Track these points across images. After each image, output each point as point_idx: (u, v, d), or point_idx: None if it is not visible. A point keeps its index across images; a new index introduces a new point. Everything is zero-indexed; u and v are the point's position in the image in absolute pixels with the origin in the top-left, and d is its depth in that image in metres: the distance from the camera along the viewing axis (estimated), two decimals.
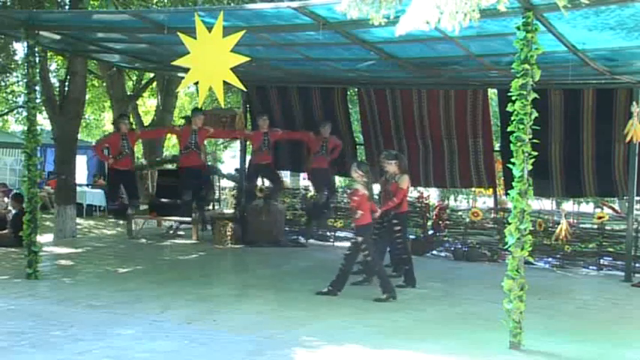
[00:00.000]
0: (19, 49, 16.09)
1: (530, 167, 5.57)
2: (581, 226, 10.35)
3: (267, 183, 12.11)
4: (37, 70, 8.54)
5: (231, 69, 6.35)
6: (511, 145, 5.57)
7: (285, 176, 19.22)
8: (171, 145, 23.89)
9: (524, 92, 5.49)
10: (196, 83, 7.04)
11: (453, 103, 10.90)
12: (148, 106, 22.47)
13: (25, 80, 9.32)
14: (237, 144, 14.06)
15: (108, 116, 22.71)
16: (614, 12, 5.68)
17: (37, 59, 8.60)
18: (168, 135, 16.64)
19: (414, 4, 4.32)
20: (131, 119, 15.77)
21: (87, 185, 18.16)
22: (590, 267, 10.04)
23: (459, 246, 10.89)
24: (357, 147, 12.62)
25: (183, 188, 10.70)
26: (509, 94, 5.58)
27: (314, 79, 11.19)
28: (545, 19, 5.87)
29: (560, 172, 10.43)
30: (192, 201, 10.94)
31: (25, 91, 8.45)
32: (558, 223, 9.91)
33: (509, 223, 5.58)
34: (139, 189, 10.99)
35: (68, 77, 12.24)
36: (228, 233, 11.36)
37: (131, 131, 10.74)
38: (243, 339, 5.54)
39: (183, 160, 10.65)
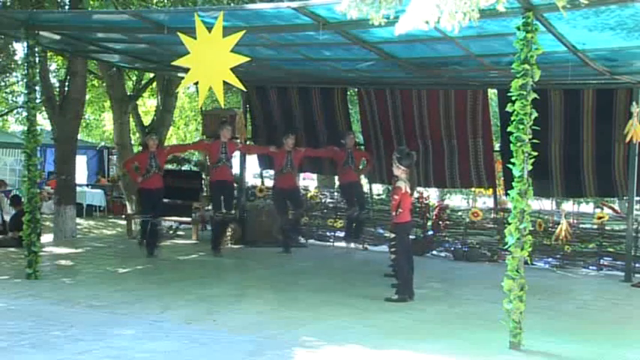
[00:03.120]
0: (19, 49, 16.13)
1: (530, 167, 5.57)
2: (581, 226, 10.33)
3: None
4: (37, 70, 8.54)
5: (231, 69, 6.35)
6: (511, 145, 5.57)
7: None
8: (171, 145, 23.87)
9: (524, 92, 5.49)
10: (196, 83, 7.04)
11: (452, 103, 10.89)
12: (148, 106, 22.44)
13: (25, 80, 9.32)
14: None
15: (108, 116, 22.69)
16: (614, 12, 5.68)
17: (37, 59, 8.60)
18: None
19: (414, 4, 4.32)
20: (130, 118, 15.85)
21: (87, 185, 18.18)
22: (590, 267, 10.03)
23: (459, 246, 10.88)
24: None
25: (214, 202, 10.39)
26: (509, 94, 5.58)
27: (314, 79, 11.19)
28: (545, 20, 5.87)
29: (560, 173, 10.43)
30: (224, 214, 10.40)
31: (25, 91, 8.45)
32: (558, 224, 9.90)
33: (509, 223, 5.58)
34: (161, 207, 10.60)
35: (68, 77, 12.24)
36: (228, 233, 11.36)
37: (160, 149, 10.39)
38: (243, 339, 5.54)
39: (215, 174, 10.38)
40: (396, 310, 6.87)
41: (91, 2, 11.87)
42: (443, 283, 8.69)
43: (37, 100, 8.58)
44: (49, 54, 14.00)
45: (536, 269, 9.74)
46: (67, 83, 12.17)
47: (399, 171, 7.29)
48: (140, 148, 13.02)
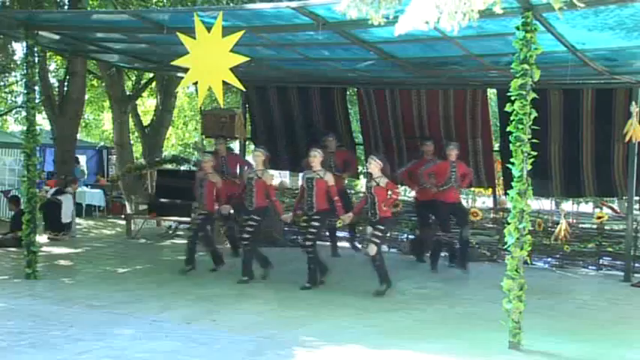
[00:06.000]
0: (19, 49, 16.12)
1: (529, 167, 5.58)
2: (581, 226, 10.33)
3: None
4: (37, 70, 8.55)
5: (231, 69, 6.36)
6: (510, 145, 5.58)
7: (285, 176, 19.21)
8: (170, 144, 23.88)
9: (524, 92, 5.49)
10: (196, 83, 7.04)
11: (452, 103, 10.89)
12: (147, 106, 22.46)
13: (24, 80, 9.33)
14: (235, 144, 14.00)
15: (107, 116, 22.69)
16: (613, 12, 5.68)
17: (37, 59, 8.61)
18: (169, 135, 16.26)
19: (414, 4, 4.32)
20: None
21: (86, 185, 18.16)
22: (590, 267, 10.04)
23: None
24: (357, 147, 12.62)
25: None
26: (509, 94, 5.59)
27: (314, 79, 11.18)
28: (545, 19, 5.87)
29: (559, 172, 10.43)
30: None
31: (25, 91, 8.46)
32: (558, 223, 9.89)
33: (509, 223, 5.59)
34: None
35: (68, 77, 12.26)
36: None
37: (232, 155, 10.13)
38: (243, 339, 5.54)
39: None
40: (395, 310, 6.88)
41: (91, 2, 11.88)
42: (443, 283, 8.69)
43: (37, 100, 8.58)
44: (48, 54, 14.02)
45: (535, 269, 9.74)
46: (66, 83, 12.18)
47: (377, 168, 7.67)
48: (139, 147, 13.01)
